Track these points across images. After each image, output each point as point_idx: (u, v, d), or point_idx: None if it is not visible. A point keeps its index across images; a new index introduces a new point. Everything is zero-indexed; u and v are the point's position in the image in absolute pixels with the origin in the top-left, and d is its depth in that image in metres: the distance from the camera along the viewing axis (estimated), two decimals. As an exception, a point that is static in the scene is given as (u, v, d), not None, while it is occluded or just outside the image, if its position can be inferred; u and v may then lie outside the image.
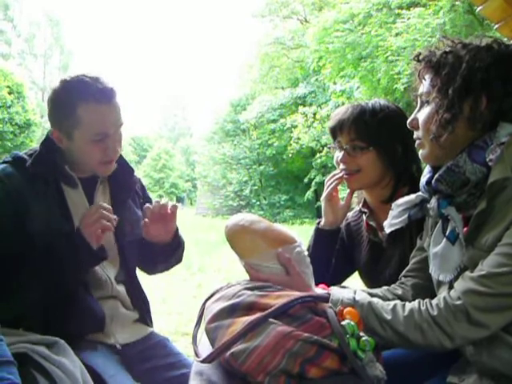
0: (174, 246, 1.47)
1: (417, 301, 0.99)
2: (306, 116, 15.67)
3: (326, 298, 0.98)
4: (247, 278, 1.07)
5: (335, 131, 1.45)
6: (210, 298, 1.03)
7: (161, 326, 3.43)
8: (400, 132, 1.37)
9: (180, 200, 32.75)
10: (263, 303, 0.90)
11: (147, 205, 1.39)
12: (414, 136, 1.12)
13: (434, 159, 1.08)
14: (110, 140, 1.35)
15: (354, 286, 1.15)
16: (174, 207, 1.39)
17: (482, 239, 0.96)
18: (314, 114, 15.49)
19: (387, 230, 1.20)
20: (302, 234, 1.35)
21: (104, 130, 1.33)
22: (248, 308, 0.91)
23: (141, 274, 1.59)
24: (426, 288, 1.14)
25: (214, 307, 0.96)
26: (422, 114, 1.07)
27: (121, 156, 1.53)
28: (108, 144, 1.34)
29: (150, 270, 1.60)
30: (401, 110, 1.45)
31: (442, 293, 0.99)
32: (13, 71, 18.87)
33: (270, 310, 0.87)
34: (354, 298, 1.03)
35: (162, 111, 53.43)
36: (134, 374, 1.33)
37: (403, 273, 1.23)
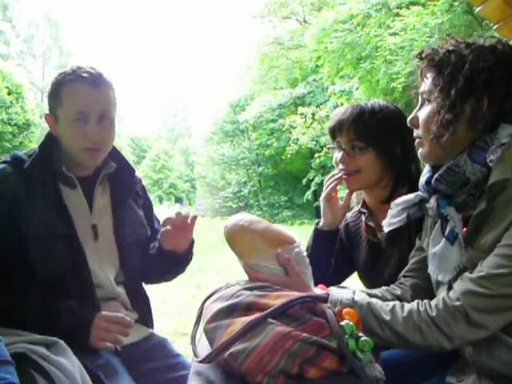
0: (188, 256, 1.49)
1: (416, 301, 0.99)
2: (305, 117, 15.67)
3: (325, 299, 0.98)
4: (246, 278, 1.07)
5: (334, 131, 1.45)
6: (208, 298, 1.03)
7: (160, 326, 3.42)
8: (399, 132, 1.37)
9: (179, 200, 32.75)
10: (262, 303, 0.90)
11: (168, 216, 1.40)
12: (414, 134, 1.11)
13: (433, 158, 1.08)
14: (92, 123, 1.32)
15: (353, 287, 1.15)
16: (194, 218, 1.40)
17: (482, 240, 0.96)
18: (313, 115, 15.49)
19: (386, 229, 1.20)
20: (301, 234, 1.34)
21: (83, 108, 1.31)
22: (247, 308, 0.91)
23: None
24: (425, 288, 1.14)
25: (212, 307, 0.96)
26: (422, 113, 1.07)
27: (122, 156, 1.53)
28: (89, 128, 1.32)
29: (153, 279, 1.59)
30: (400, 110, 1.45)
31: (441, 293, 0.99)
32: (12, 72, 18.82)
33: (269, 310, 0.87)
34: (353, 299, 1.03)
35: (162, 112, 53.45)
36: (133, 375, 1.33)
37: (402, 273, 1.23)
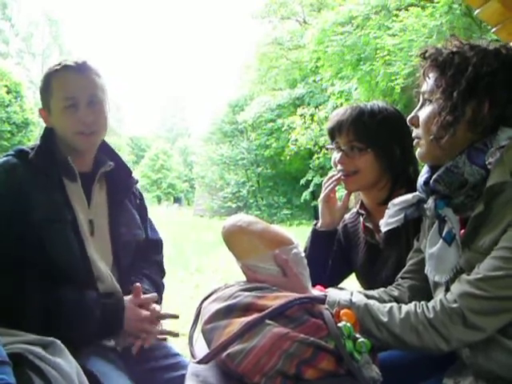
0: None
1: (413, 303, 0.99)
2: (304, 118, 15.67)
3: (322, 300, 0.98)
4: (245, 279, 1.07)
5: (334, 132, 1.45)
6: (206, 298, 1.03)
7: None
8: (398, 134, 1.38)
9: (177, 200, 32.70)
10: (260, 304, 0.90)
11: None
12: (413, 134, 1.11)
13: (431, 159, 1.08)
14: (82, 108, 1.37)
15: (350, 288, 1.16)
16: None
17: (479, 242, 0.96)
18: (312, 116, 15.49)
19: (383, 229, 1.20)
20: (299, 235, 1.35)
21: (72, 94, 1.37)
22: (245, 309, 0.91)
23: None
24: (422, 290, 1.14)
25: (210, 308, 0.96)
26: (423, 113, 1.06)
27: (118, 156, 1.53)
28: (80, 113, 1.37)
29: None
30: (399, 112, 1.46)
31: (439, 295, 0.99)
32: (11, 70, 18.83)
33: (266, 311, 0.87)
34: (351, 300, 1.03)
35: (161, 112, 53.39)
36: (131, 375, 1.32)
37: (400, 274, 1.24)
